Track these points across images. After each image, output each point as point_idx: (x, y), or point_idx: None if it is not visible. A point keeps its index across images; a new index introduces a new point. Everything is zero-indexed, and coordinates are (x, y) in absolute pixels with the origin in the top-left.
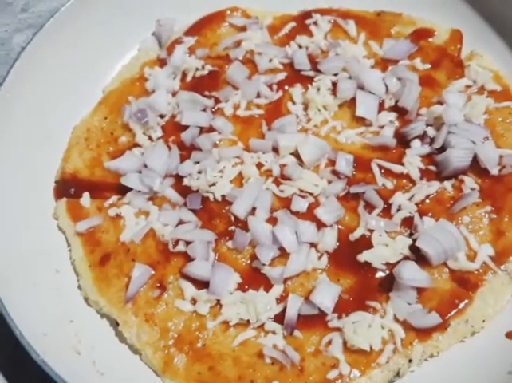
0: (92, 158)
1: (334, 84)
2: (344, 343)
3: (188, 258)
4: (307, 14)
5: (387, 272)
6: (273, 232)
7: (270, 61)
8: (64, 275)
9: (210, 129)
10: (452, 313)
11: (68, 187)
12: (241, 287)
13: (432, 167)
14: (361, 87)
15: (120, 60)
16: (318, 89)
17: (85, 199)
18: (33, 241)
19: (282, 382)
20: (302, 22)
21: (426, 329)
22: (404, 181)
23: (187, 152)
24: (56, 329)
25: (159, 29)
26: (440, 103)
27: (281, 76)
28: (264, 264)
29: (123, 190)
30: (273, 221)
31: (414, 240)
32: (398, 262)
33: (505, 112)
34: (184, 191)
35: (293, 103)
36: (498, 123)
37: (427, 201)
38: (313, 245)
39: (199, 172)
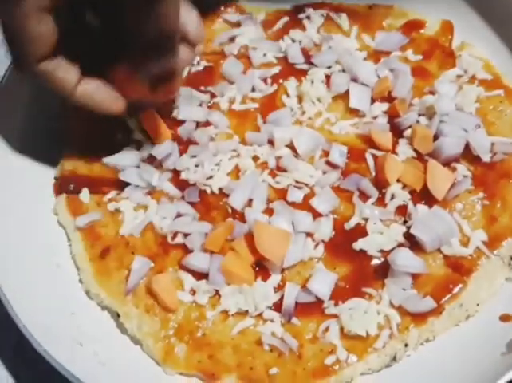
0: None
1: (328, 76)
2: (341, 329)
3: (187, 250)
4: (300, 9)
5: (383, 259)
6: (269, 223)
7: (264, 55)
8: (65, 269)
9: (207, 123)
10: (447, 297)
11: (67, 184)
12: None
13: (425, 156)
14: (354, 79)
15: None
16: (312, 82)
17: (84, 195)
18: (34, 237)
19: (281, 368)
20: (295, 17)
21: (421, 314)
22: None
23: (184, 147)
24: (58, 321)
25: None
26: (432, 93)
27: (276, 70)
28: None
29: (121, 185)
30: (269, 212)
31: (408, 227)
32: (393, 250)
33: (495, 101)
34: (182, 184)
35: (288, 96)
36: (489, 111)
37: None
38: (309, 234)
39: (196, 166)
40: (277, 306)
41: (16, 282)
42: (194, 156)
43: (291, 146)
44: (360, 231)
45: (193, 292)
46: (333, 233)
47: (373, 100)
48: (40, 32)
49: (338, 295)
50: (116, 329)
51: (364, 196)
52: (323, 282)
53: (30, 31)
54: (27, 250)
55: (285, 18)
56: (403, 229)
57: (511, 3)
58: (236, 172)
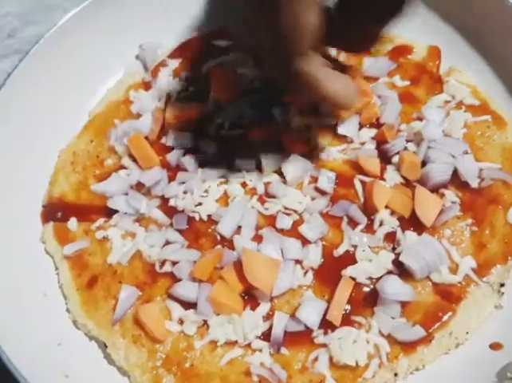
0: (78, 181)
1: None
2: (331, 359)
3: (175, 279)
4: None
5: (372, 287)
6: (258, 250)
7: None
8: (52, 299)
9: (195, 150)
10: (436, 325)
11: (55, 211)
12: None
13: (413, 182)
14: None
15: (106, 84)
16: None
17: (72, 223)
18: (21, 265)
19: None
20: None
21: (410, 343)
22: None
23: (172, 173)
24: (44, 352)
25: (143, 53)
26: (420, 119)
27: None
28: None
29: (109, 212)
30: (258, 239)
31: (397, 254)
32: (382, 277)
33: (483, 126)
34: (170, 211)
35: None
36: (477, 136)
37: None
38: (298, 262)
39: (185, 193)
40: (266, 336)
41: (1, 311)
42: (183, 183)
43: (279, 172)
44: (349, 258)
45: (181, 322)
46: (322, 260)
47: (361, 126)
48: (313, 21)
49: (327, 324)
50: (103, 360)
51: (353, 223)
52: (312, 311)
53: (305, 20)
54: (14, 279)
55: None
56: (392, 256)
57: (497, 29)
58: (225, 199)
